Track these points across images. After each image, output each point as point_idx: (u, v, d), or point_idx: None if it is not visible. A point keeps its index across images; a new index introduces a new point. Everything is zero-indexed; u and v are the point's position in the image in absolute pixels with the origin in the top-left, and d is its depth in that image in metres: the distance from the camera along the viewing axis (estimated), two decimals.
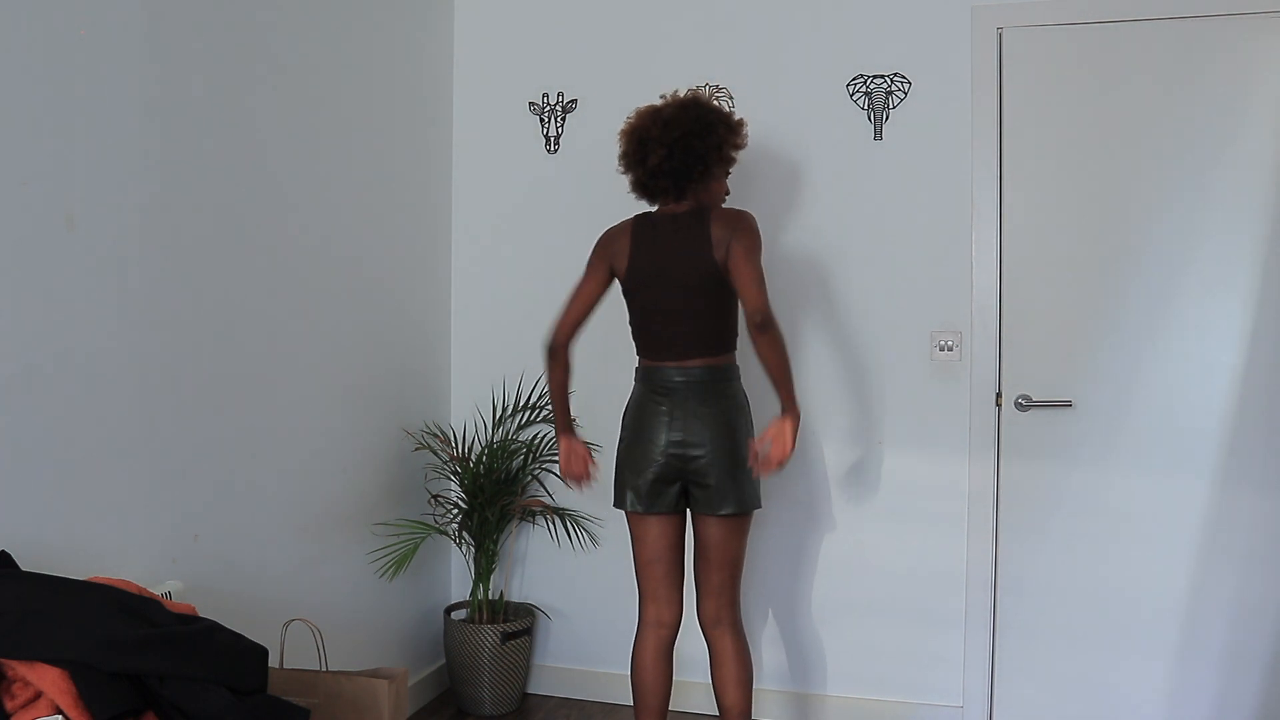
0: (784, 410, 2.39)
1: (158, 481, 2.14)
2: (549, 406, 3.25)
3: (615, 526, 3.25)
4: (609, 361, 3.19)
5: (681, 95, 2.52)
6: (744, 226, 2.40)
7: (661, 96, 2.54)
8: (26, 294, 1.82)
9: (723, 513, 2.41)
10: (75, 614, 1.51)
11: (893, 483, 3.04)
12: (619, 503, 2.55)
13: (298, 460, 2.63)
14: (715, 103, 2.64)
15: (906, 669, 3.04)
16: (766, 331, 2.31)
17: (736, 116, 2.53)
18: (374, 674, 2.10)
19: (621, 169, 2.53)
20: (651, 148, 2.43)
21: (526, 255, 3.34)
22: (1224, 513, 2.81)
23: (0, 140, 1.76)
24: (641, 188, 2.51)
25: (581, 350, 3.24)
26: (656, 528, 2.52)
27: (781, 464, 2.39)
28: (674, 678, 2.66)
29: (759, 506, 2.48)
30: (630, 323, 2.56)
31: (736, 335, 2.51)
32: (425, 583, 3.29)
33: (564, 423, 2.64)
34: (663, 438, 2.44)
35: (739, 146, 2.51)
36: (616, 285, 2.57)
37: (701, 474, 2.41)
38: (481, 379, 3.36)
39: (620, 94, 3.19)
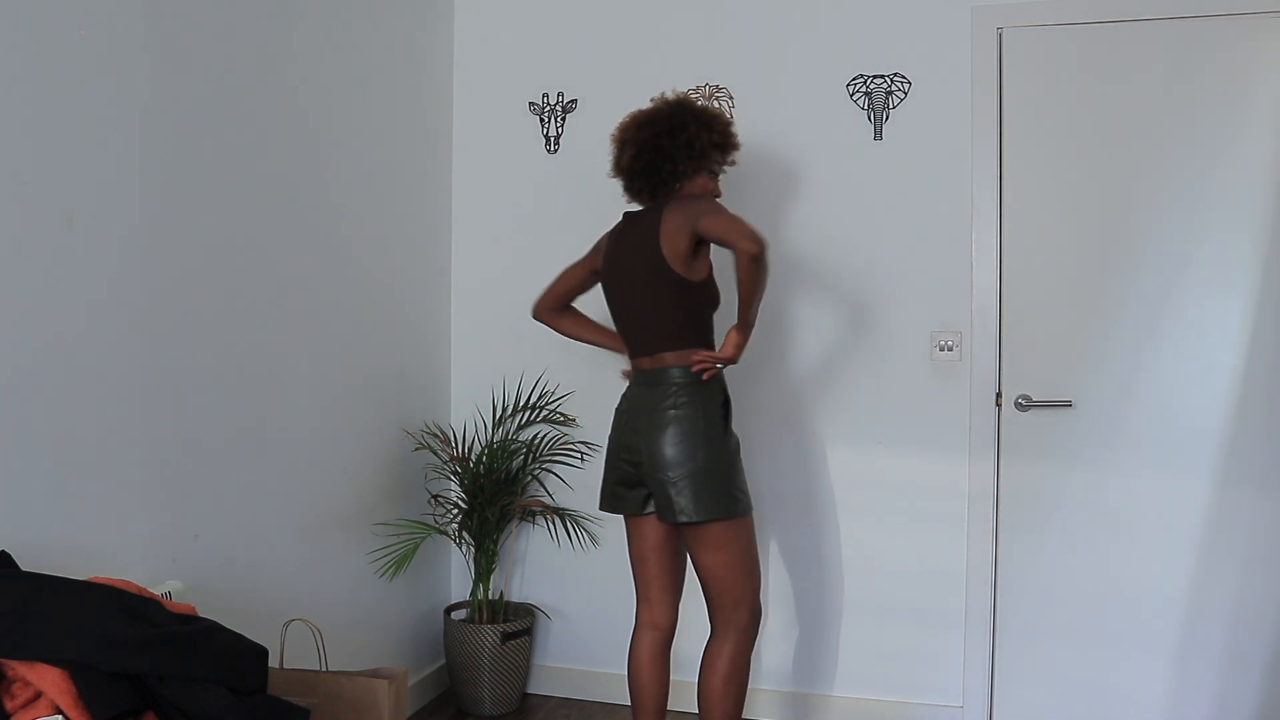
0: (738, 322, 2.28)
1: (158, 481, 2.14)
2: (549, 406, 3.27)
3: (615, 526, 3.25)
4: (610, 360, 3.19)
5: (670, 97, 2.47)
6: (702, 206, 2.27)
7: (651, 100, 2.51)
8: (26, 294, 1.82)
9: (679, 521, 2.28)
10: (75, 614, 1.51)
11: (893, 483, 3.04)
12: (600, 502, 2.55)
13: (298, 460, 2.63)
14: (707, 104, 2.51)
15: (906, 669, 3.04)
16: (759, 263, 2.18)
17: (725, 116, 2.44)
18: (374, 674, 2.10)
19: (611, 173, 2.51)
20: (625, 148, 2.42)
21: (526, 255, 3.34)
22: (1224, 513, 2.81)
23: (0, 140, 1.77)
24: (625, 190, 2.49)
25: (586, 352, 3.25)
26: (637, 529, 2.47)
27: (717, 362, 2.29)
28: (674, 678, 2.65)
29: (726, 516, 2.28)
30: None
31: (703, 332, 2.38)
32: (425, 583, 3.29)
33: (614, 340, 2.63)
34: (616, 440, 2.43)
35: (720, 146, 2.41)
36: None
37: (647, 480, 2.34)
38: (481, 379, 3.36)
39: (620, 94, 3.19)
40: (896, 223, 3.02)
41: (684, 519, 2.27)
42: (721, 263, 2.62)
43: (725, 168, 2.50)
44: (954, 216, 2.97)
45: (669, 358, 2.35)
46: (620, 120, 2.50)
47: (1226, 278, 2.80)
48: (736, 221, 2.20)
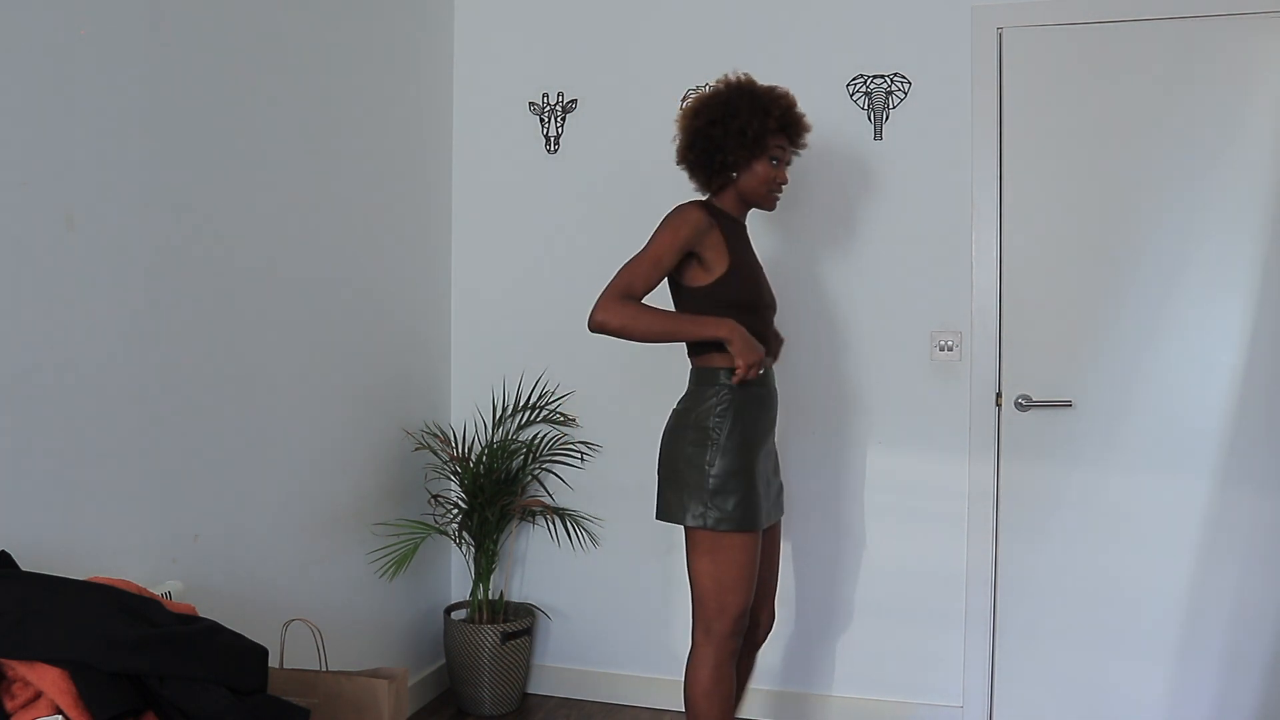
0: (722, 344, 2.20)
1: (158, 481, 2.14)
2: (549, 406, 3.27)
3: (615, 526, 3.25)
4: (610, 361, 3.20)
5: (732, 78, 2.29)
6: (663, 222, 2.22)
7: (716, 81, 2.33)
8: (26, 294, 1.82)
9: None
10: (75, 614, 1.51)
11: (893, 483, 3.04)
12: None
13: (298, 460, 2.63)
14: (773, 84, 2.31)
15: (906, 669, 3.04)
16: (606, 334, 2.14)
17: (789, 96, 2.30)
18: (374, 674, 2.10)
19: (677, 161, 2.38)
20: (681, 137, 2.32)
21: (526, 256, 3.34)
22: (1224, 513, 2.81)
23: (0, 140, 1.77)
24: (690, 179, 2.37)
25: (586, 352, 3.24)
26: None
27: (750, 370, 2.16)
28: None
29: (695, 526, 2.18)
30: None
31: None
32: (425, 583, 3.29)
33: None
34: None
35: (777, 130, 2.26)
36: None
37: None
38: (481, 379, 3.36)
39: (620, 94, 3.20)
40: (896, 223, 3.02)
41: (662, 516, 2.28)
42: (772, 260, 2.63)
43: (798, 151, 2.37)
44: (954, 216, 2.97)
45: (692, 359, 2.34)
46: (682, 108, 2.38)
47: (1226, 278, 2.80)
48: (623, 272, 2.15)
